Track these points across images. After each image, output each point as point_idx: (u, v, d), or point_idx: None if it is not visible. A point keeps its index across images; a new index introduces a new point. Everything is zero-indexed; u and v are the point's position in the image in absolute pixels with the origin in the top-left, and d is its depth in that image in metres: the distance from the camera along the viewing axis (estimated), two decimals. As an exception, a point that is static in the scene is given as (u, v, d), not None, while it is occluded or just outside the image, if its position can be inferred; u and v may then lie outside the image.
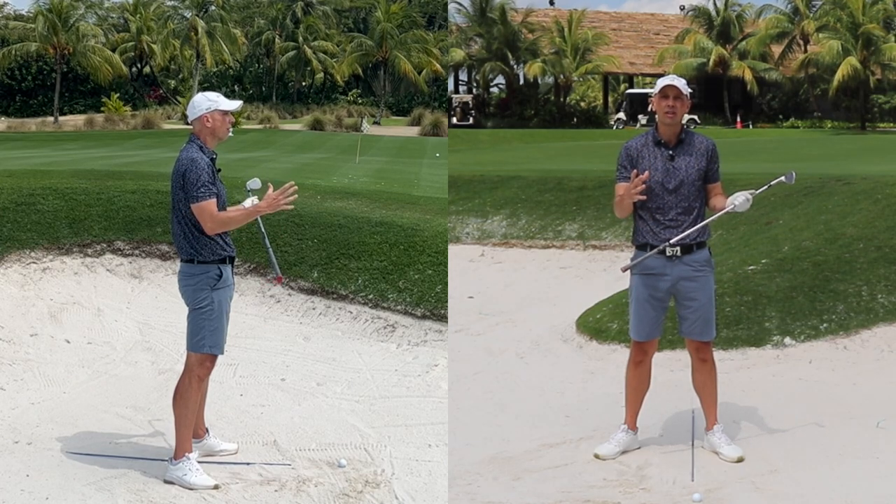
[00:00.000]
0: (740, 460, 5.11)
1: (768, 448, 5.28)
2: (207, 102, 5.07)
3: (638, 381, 5.40)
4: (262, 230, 5.46)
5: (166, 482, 4.96)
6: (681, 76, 5.34)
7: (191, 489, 4.90)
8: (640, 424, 5.44)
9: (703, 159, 5.20)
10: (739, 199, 5.12)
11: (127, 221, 8.94)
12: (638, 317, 5.30)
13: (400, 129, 45.52)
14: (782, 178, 5.24)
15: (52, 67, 49.52)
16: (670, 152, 5.18)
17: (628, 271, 5.31)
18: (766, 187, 5.31)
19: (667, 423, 5.73)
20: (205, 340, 5.02)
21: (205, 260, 5.00)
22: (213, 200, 4.93)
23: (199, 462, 5.07)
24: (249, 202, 5.34)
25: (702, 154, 5.21)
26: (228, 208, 5.18)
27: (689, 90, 5.23)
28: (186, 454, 5.01)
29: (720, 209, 5.19)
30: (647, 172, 5.09)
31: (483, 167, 17.57)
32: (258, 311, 7.94)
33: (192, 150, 5.00)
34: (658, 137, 5.22)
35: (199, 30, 50.56)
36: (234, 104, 5.17)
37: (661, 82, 5.19)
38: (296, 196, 5.10)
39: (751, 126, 47.64)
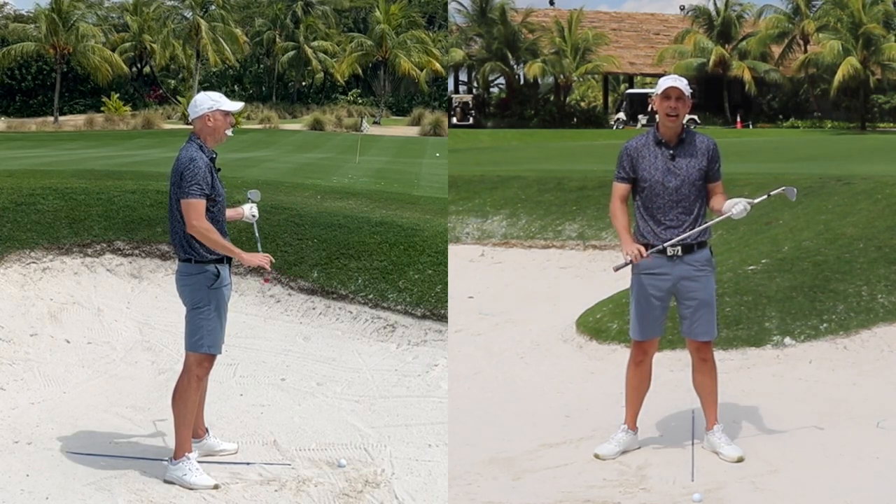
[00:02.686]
0: (740, 460, 5.11)
1: (768, 448, 5.28)
2: (210, 102, 5.07)
3: (638, 381, 5.40)
4: (257, 234, 5.48)
5: (166, 482, 4.96)
6: (681, 76, 5.35)
7: (191, 489, 4.90)
8: (640, 424, 5.44)
9: (704, 159, 5.19)
10: (738, 208, 5.11)
11: (127, 221, 8.94)
12: (638, 316, 5.29)
13: (400, 129, 45.51)
14: (783, 189, 5.24)
15: (52, 67, 49.50)
16: (671, 152, 5.18)
17: (629, 269, 5.32)
18: (765, 197, 5.31)
19: (667, 423, 5.73)
20: (203, 340, 5.02)
21: (202, 259, 5.00)
22: (203, 201, 4.90)
23: (199, 462, 5.07)
24: (248, 208, 5.39)
25: (703, 153, 5.20)
26: (227, 210, 5.24)
27: (690, 90, 5.23)
28: (186, 454, 5.01)
29: (718, 210, 5.19)
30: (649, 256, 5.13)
31: (483, 167, 17.57)
32: (258, 311, 7.94)
33: (191, 150, 4.99)
34: (659, 137, 5.21)
35: (203, 29, 50.53)
36: (237, 105, 5.17)
37: (663, 83, 5.18)
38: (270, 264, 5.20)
39: (751, 126, 47.66)
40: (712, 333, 5.31)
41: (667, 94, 5.12)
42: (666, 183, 5.14)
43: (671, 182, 5.14)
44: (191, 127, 5.12)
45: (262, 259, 5.18)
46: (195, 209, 4.89)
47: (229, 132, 5.17)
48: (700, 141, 5.24)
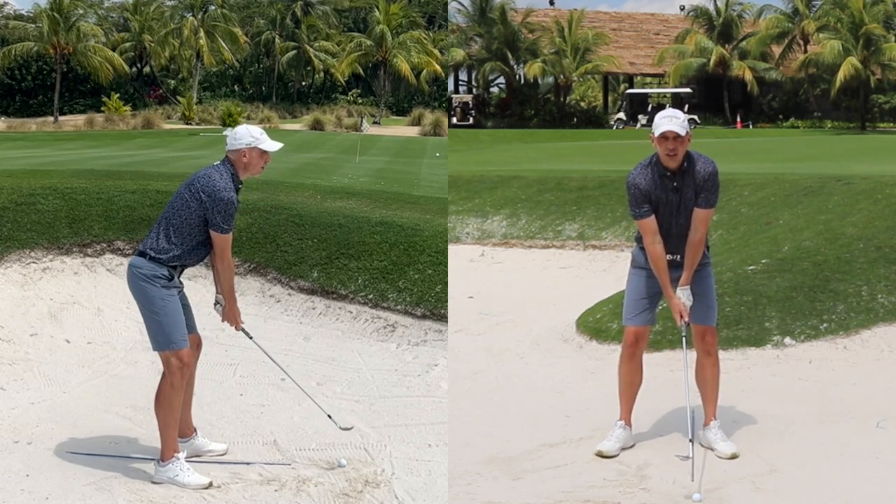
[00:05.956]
0: (734, 457, 5.14)
1: (768, 448, 5.28)
2: (249, 138, 5.08)
3: (631, 376, 5.44)
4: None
5: (154, 483, 4.95)
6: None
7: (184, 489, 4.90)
8: (641, 424, 5.46)
9: (700, 187, 5.16)
10: (684, 296, 5.22)
11: (127, 221, 8.94)
12: (633, 303, 5.36)
13: (400, 129, 45.48)
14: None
15: (52, 67, 49.50)
16: (675, 184, 5.16)
17: (628, 266, 5.36)
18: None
19: (667, 422, 5.72)
20: (170, 337, 4.99)
21: (158, 260, 4.99)
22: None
23: (197, 462, 5.06)
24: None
25: (699, 183, 5.15)
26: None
27: (689, 128, 5.12)
28: (175, 455, 5.00)
29: (693, 240, 5.20)
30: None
31: (483, 167, 17.57)
32: (258, 311, 7.94)
33: (225, 178, 5.01)
34: (662, 170, 5.15)
35: (188, 29, 50.65)
36: (276, 146, 5.15)
37: (659, 124, 5.06)
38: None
39: (751, 126, 47.66)
40: (714, 318, 5.37)
41: (664, 135, 5.05)
42: (669, 217, 5.19)
43: (673, 212, 5.18)
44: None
45: (237, 319, 5.35)
46: (229, 243, 5.10)
47: (263, 170, 5.22)
48: (701, 167, 5.15)
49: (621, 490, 4.83)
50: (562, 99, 50.29)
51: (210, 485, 4.93)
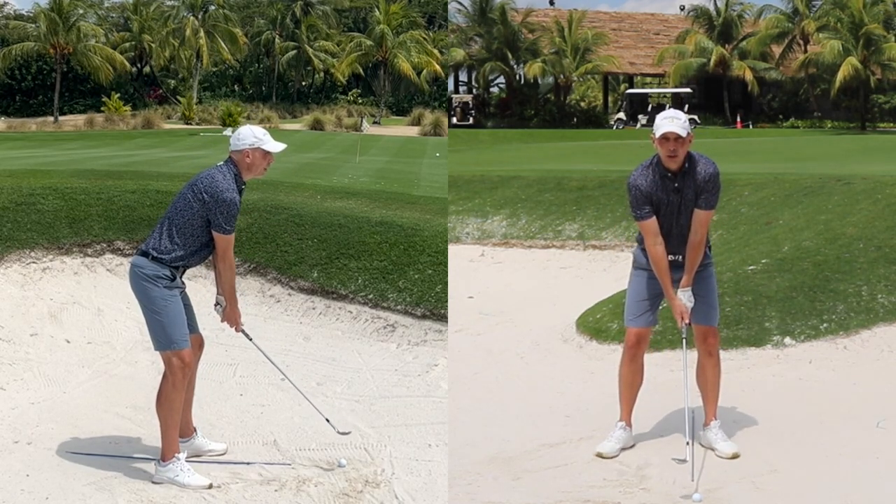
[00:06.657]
0: (735, 456, 5.14)
1: (768, 448, 5.28)
2: (252, 138, 5.08)
3: (632, 377, 5.44)
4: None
5: (155, 483, 4.95)
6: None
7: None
8: (641, 424, 5.45)
9: (701, 188, 5.16)
10: (685, 297, 5.22)
11: (127, 221, 8.94)
12: (635, 305, 5.36)
13: (400, 129, 45.48)
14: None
15: (52, 67, 49.50)
16: (676, 185, 5.16)
17: (630, 268, 5.35)
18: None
19: (667, 422, 5.72)
20: (171, 337, 5.00)
21: (161, 260, 4.99)
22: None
23: (198, 462, 5.06)
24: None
25: (700, 184, 5.15)
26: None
27: (690, 128, 5.11)
28: (175, 455, 5.00)
29: (693, 242, 5.20)
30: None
31: (483, 167, 17.57)
32: (258, 311, 7.94)
33: (228, 180, 5.02)
34: (663, 172, 5.16)
35: (188, 30, 50.67)
36: (279, 147, 5.15)
37: (660, 125, 5.05)
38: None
39: (751, 126, 47.66)
40: (716, 318, 5.39)
41: (665, 136, 5.04)
42: (670, 218, 5.19)
43: (676, 217, 5.19)
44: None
45: (237, 320, 5.35)
46: (231, 244, 5.10)
47: (266, 171, 5.21)
48: (702, 169, 5.15)
49: (621, 490, 4.83)
50: (562, 99, 50.29)
51: (210, 486, 4.93)
